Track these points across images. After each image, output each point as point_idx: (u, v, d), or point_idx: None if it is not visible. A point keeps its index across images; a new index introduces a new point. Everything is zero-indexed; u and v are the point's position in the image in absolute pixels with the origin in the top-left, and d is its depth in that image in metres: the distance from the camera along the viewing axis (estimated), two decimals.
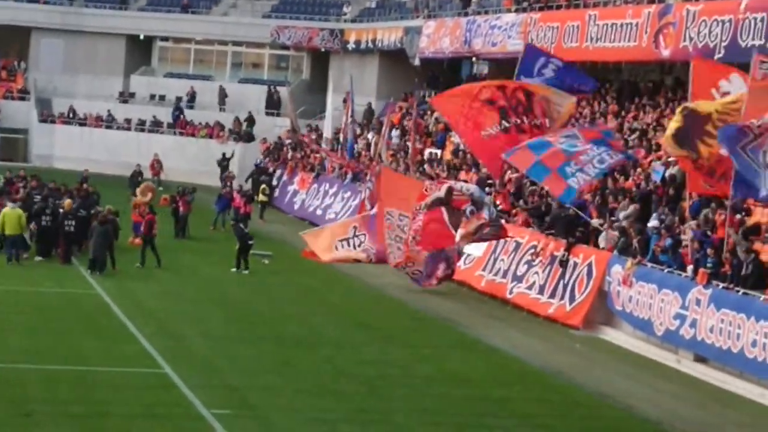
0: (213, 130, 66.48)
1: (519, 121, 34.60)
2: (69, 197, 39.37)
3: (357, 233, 37.43)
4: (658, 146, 36.51)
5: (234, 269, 37.38)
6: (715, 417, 24.20)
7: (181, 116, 68.17)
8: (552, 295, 33.18)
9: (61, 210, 37.36)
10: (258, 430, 20.66)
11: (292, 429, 20.90)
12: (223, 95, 69.11)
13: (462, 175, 42.81)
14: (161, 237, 42.33)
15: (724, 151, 27.32)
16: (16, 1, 72.27)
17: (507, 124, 34.64)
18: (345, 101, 58.87)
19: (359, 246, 36.97)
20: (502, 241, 36.02)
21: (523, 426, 22.29)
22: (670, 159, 34.67)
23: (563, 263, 33.15)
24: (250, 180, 57.25)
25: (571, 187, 31.59)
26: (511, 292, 34.92)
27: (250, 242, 37.80)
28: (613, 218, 33.48)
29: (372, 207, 41.29)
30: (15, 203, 36.98)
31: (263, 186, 54.00)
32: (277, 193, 56.37)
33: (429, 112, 54.06)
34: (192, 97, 70.25)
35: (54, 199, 38.93)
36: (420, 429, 21.49)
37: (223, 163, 61.38)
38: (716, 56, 33.08)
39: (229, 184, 49.73)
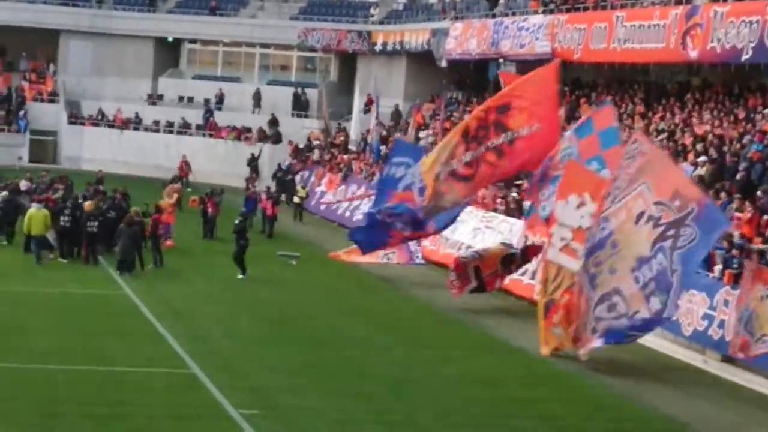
0: (240, 132, 66.56)
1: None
2: (87, 198, 39.45)
3: (388, 253, 37.64)
4: (685, 147, 36.49)
5: (240, 276, 36.60)
6: (742, 417, 24.12)
7: (211, 118, 68.31)
8: None
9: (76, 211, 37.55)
10: (284, 430, 20.66)
11: (318, 430, 20.92)
12: (258, 98, 69.24)
13: None
14: (191, 238, 42.59)
15: None
16: (45, 4, 72.50)
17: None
18: (367, 104, 59.05)
19: (390, 262, 37.30)
20: (532, 241, 36.02)
21: (548, 427, 22.25)
22: (698, 159, 34.66)
23: None
24: (274, 179, 57.57)
25: None
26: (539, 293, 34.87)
27: (243, 244, 36.88)
28: None
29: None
30: (40, 204, 37.08)
31: (299, 187, 54.19)
32: (324, 201, 56.29)
33: (455, 114, 54.06)
34: (220, 99, 70.39)
35: (74, 201, 39.00)
36: (445, 431, 21.48)
37: (252, 163, 61.66)
38: (744, 57, 32.97)
39: (252, 185, 49.76)
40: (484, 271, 34.01)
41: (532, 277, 35.32)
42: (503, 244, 35.08)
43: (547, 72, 33.21)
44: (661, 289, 25.57)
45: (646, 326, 26.74)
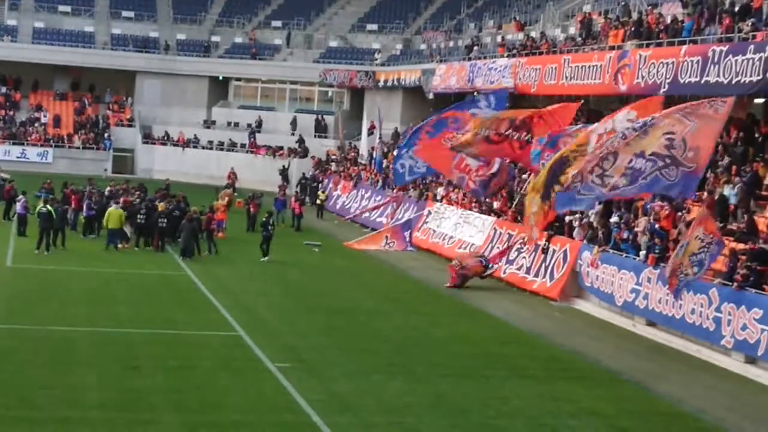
0: (275, 150, 66.50)
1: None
2: (162, 201, 39.39)
3: (389, 241, 37.53)
4: None
5: (263, 258, 36.46)
6: (661, 368, 24.07)
7: (253, 138, 68.26)
8: (536, 275, 33.12)
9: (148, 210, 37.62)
10: (310, 378, 20.60)
11: (335, 378, 20.86)
12: (294, 123, 69.15)
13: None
14: (237, 231, 42.53)
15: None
16: (125, 51, 72.51)
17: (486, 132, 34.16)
18: (370, 128, 58.98)
19: (390, 249, 37.11)
20: (498, 232, 35.99)
21: (515, 376, 22.20)
22: None
23: (545, 250, 33.08)
24: (299, 186, 57.74)
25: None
26: (504, 272, 34.85)
27: (268, 234, 36.67)
28: (583, 215, 33.37)
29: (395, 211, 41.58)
30: (118, 204, 37.04)
31: (320, 192, 54.29)
32: (340, 203, 56.35)
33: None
34: (259, 124, 70.30)
35: (150, 202, 38.92)
36: (436, 378, 21.42)
37: (283, 173, 61.64)
38: (661, 90, 32.91)
39: (283, 191, 49.68)
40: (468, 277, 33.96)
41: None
42: (479, 259, 34.55)
43: (571, 109, 34.70)
44: (630, 178, 24.95)
45: (591, 201, 26.55)
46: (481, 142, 33.93)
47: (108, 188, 43.13)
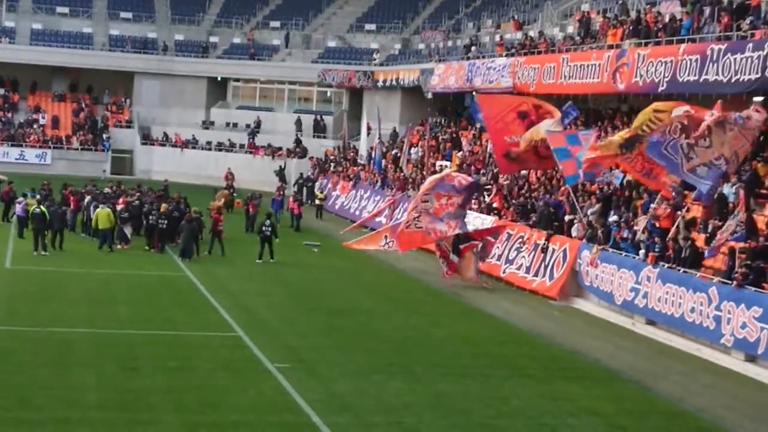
0: (273, 150, 66.51)
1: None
2: (165, 202, 39.41)
3: (388, 241, 37.42)
4: None
5: (258, 260, 36.20)
6: (661, 367, 24.11)
7: (252, 139, 68.27)
8: (536, 274, 33.15)
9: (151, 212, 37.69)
10: (309, 379, 20.63)
11: (335, 378, 20.88)
12: (299, 123, 69.18)
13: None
14: (235, 231, 42.53)
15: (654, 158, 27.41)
16: (124, 52, 72.53)
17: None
18: (368, 128, 58.91)
19: (389, 249, 36.94)
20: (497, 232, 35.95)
21: (514, 375, 22.22)
22: None
23: (544, 249, 33.12)
24: (296, 186, 57.80)
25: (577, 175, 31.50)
26: (504, 272, 34.88)
27: (267, 236, 36.53)
28: (582, 214, 33.42)
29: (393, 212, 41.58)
30: (104, 205, 36.97)
31: (317, 192, 54.37)
32: (339, 203, 56.40)
33: (439, 134, 54.01)
34: (258, 124, 70.33)
35: (151, 204, 38.90)
36: (435, 378, 21.44)
37: (280, 174, 61.66)
38: (660, 89, 32.96)
39: (281, 193, 49.68)
40: (452, 245, 33.96)
41: (498, 258, 35.35)
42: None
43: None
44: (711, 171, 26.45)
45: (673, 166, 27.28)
46: (530, 154, 34.35)
47: (106, 189, 43.18)
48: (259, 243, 36.51)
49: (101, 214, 36.11)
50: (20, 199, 39.54)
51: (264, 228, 36.51)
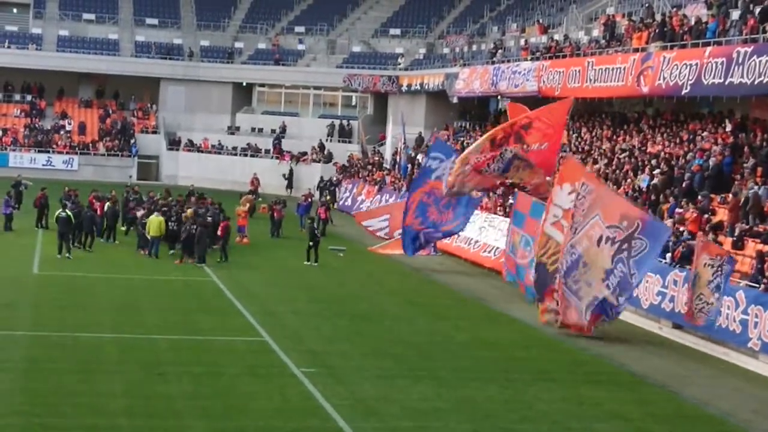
0: (299, 156, 66.67)
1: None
2: (192, 207, 39.54)
3: None
4: (642, 162, 36.33)
5: (306, 262, 36.99)
6: (687, 371, 24.04)
7: (278, 144, 68.46)
8: None
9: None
10: (335, 384, 20.68)
11: (360, 383, 20.93)
12: (332, 128, 69.34)
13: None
14: (261, 236, 42.67)
15: None
16: (150, 58, 72.86)
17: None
18: (380, 139, 59.17)
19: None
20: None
21: (539, 380, 22.22)
22: (654, 172, 34.51)
23: None
24: (318, 190, 58.02)
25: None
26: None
27: (318, 239, 37.46)
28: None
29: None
30: (157, 213, 37.01)
31: (329, 197, 54.75)
32: (349, 201, 56.65)
33: (464, 138, 53.98)
34: (283, 129, 70.51)
35: (178, 209, 39.03)
36: (459, 383, 21.47)
37: (289, 177, 63.25)
38: (683, 92, 32.90)
39: (309, 199, 49.76)
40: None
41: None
42: None
43: (563, 105, 32.51)
44: (624, 288, 26.33)
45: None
46: (472, 175, 32.69)
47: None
48: (311, 246, 37.05)
49: (153, 222, 36.21)
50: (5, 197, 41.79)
51: (317, 232, 37.55)
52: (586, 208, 26.35)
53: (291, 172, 64.13)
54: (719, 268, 24.87)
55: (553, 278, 27.34)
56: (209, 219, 37.72)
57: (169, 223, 36.86)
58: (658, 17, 39.52)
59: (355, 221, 44.54)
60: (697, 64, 32.27)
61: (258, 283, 32.96)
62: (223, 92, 73.07)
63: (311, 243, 37.22)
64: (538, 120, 31.84)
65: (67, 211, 35.91)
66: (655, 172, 34.52)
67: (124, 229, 41.10)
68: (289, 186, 63.12)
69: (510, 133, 31.77)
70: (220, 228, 37.18)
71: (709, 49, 32.46)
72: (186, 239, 35.73)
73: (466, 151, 33.36)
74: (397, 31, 73.93)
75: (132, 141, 70.34)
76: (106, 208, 39.46)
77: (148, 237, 36.33)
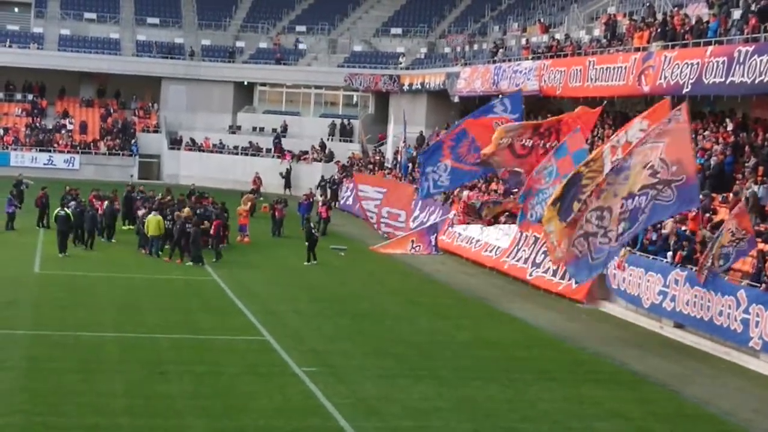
0: (300, 155, 66.70)
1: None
2: (191, 206, 39.56)
3: (414, 245, 37.42)
4: None
5: (306, 263, 36.97)
6: (688, 370, 24.03)
7: (279, 144, 68.48)
8: (562, 277, 33.05)
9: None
10: (336, 383, 20.69)
11: (361, 383, 20.94)
12: (333, 127, 69.38)
13: (493, 185, 42.79)
14: (262, 235, 42.69)
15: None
16: (151, 57, 72.87)
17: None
18: (379, 139, 59.15)
19: (416, 253, 36.97)
20: (524, 235, 35.94)
21: (540, 379, 22.22)
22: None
23: None
24: (318, 188, 57.97)
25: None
26: (530, 275, 34.84)
27: (314, 239, 37.40)
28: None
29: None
30: (156, 212, 37.04)
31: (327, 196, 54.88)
32: (350, 201, 56.65)
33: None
34: (284, 128, 70.54)
35: (173, 209, 38.98)
36: (460, 382, 21.47)
37: (286, 176, 63.21)
38: (684, 91, 32.87)
39: (310, 199, 49.76)
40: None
41: (525, 262, 35.33)
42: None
43: (594, 114, 33.12)
44: (630, 220, 25.31)
45: (606, 258, 26.36)
46: (505, 152, 33.26)
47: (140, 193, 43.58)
48: (309, 246, 37.13)
49: (151, 221, 36.19)
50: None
51: (314, 231, 37.45)
52: (663, 130, 25.50)
53: (288, 171, 64.10)
54: (737, 241, 24.88)
55: (579, 194, 26.57)
56: (215, 218, 37.80)
57: (166, 222, 36.77)
58: (660, 17, 39.48)
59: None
60: (698, 64, 32.25)
61: (259, 282, 32.96)
62: (225, 91, 73.07)
63: (307, 243, 37.21)
64: (575, 123, 32.29)
65: (66, 209, 36.05)
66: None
67: (126, 228, 41.19)
68: (287, 185, 63.12)
69: (556, 127, 32.11)
70: (212, 227, 37.22)
71: (710, 48, 32.43)
72: (178, 238, 35.73)
73: (508, 126, 33.36)
74: (399, 31, 73.92)
75: (133, 140, 70.36)
76: (104, 207, 39.50)
77: (148, 236, 36.36)
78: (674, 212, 26.36)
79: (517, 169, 34.72)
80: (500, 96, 37.45)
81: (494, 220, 37.47)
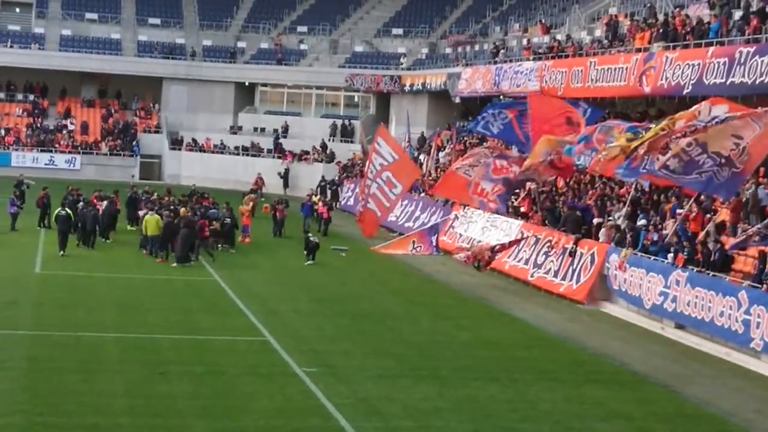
0: (301, 155, 66.71)
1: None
2: (184, 206, 39.58)
3: (416, 246, 37.44)
4: None
5: (306, 263, 37.04)
6: (689, 371, 24.02)
7: (279, 144, 68.49)
8: (563, 278, 33.07)
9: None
10: (337, 383, 20.67)
11: (362, 383, 20.92)
12: (334, 128, 69.46)
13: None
14: (263, 236, 42.69)
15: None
16: (152, 58, 72.90)
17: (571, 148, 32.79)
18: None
19: (417, 253, 36.97)
20: (526, 235, 35.95)
21: (541, 379, 22.20)
22: None
23: (572, 253, 33.02)
24: (318, 188, 57.96)
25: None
26: (532, 276, 34.82)
27: (312, 245, 37.44)
28: (610, 218, 33.32)
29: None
30: (153, 212, 37.07)
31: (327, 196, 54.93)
32: (351, 201, 56.60)
33: (466, 138, 53.96)
34: (285, 129, 70.56)
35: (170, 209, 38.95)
36: (460, 382, 21.45)
37: (285, 176, 63.45)
38: (684, 91, 32.89)
39: (313, 200, 49.75)
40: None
41: (526, 263, 35.32)
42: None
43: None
44: (686, 165, 26.38)
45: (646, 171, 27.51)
46: (545, 167, 33.76)
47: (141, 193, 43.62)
48: (305, 247, 37.44)
49: (150, 221, 36.13)
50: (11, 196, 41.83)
51: (311, 238, 37.86)
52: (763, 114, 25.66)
53: (287, 171, 64.02)
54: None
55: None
56: (227, 221, 38.36)
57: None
58: (661, 17, 39.50)
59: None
60: (699, 64, 32.25)
61: (260, 282, 32.95)
62: (226, 92, 73.12)
63: (305, 251, 37.39)
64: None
65: (66, 209, 36.13)
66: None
67: (130, 229, 41.27)
68: (286, 185, 63.06)
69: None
70: (203, 228, 37.23)
71: (711, 49, 32.44)
72: (164, 238, 35.65)
73: (555, 138, 33.54)
74: (400, 31, 73.94)
75: (134, 141, 70.41)
76: (104, 206, 39.50)
77: (147, 236, 36.36)
78: (716, 194, 26.93)
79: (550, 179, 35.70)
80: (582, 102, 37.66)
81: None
